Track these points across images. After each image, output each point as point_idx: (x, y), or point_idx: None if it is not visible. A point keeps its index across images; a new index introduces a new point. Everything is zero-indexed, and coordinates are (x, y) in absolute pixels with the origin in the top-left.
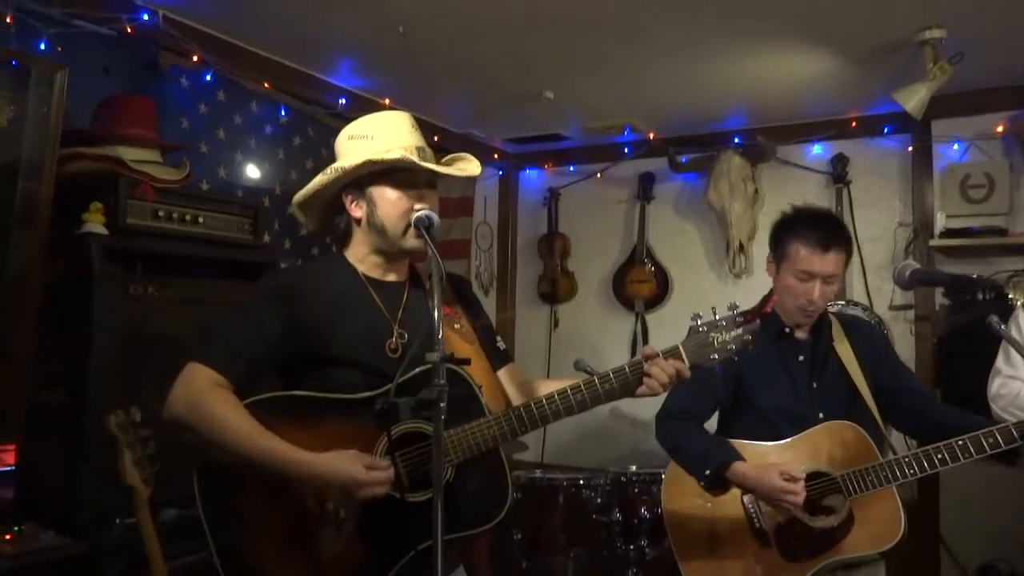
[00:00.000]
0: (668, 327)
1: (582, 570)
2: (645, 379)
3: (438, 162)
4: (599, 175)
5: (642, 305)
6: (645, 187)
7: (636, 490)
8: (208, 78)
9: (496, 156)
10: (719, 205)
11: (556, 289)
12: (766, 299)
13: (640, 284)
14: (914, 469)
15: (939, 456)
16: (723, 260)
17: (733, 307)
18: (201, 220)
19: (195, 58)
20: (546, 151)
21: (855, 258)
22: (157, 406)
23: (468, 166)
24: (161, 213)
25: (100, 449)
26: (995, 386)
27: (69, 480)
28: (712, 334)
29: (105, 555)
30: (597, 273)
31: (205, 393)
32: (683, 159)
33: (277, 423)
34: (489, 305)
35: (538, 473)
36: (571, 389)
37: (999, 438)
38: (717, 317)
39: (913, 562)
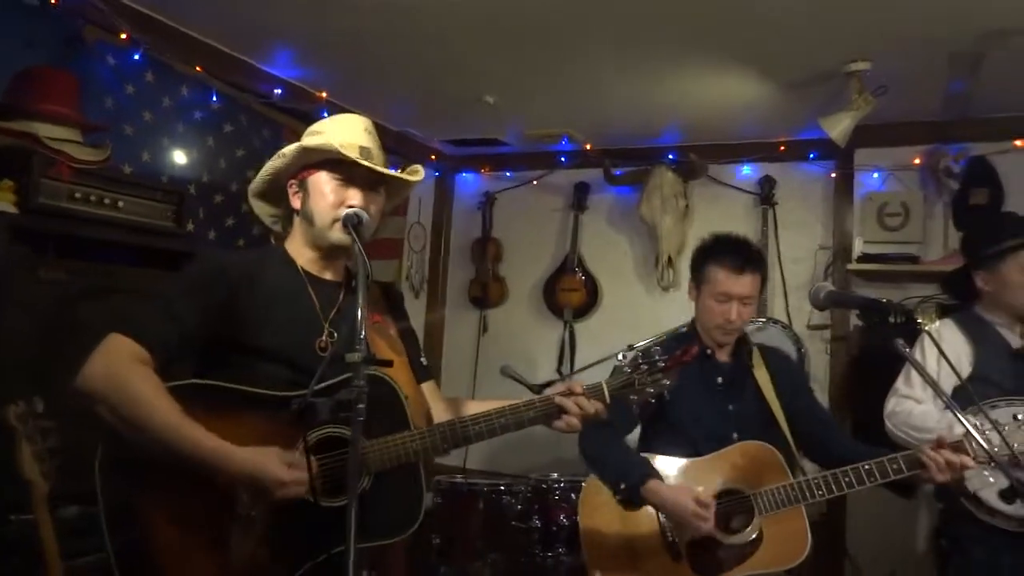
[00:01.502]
0: (596, 336)
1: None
2: (564, 416)
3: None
4: (535, 182)
5: (571, 314)
6: (580, 197)
7: (556, 497)
8: (137, 57)
9: (433, 157)
10: (650, 219)
11: (487, 294)
12: (685, 349)
13: (570, 293)
14: (823, 491)
15: (846, 479)
16: (652, 273)
17: (655, 352)
18: (121, 204)
19: (124, 35)
20: (484, 155)
21: (777, 278)
22: (62, 397)
23: (411, 174)
24: (78, 195)
25: None
26: (891, 404)
27: None
28: (635, 376)
29: None
30: (528, 280)
31: (127, 367)
32: (618, 172)
33: (195, 411)
34: (419, 307)
35: (459, 478)
36: (496, 413)
37: (902, 464)
38: (640, 359)
39: (819, 574)
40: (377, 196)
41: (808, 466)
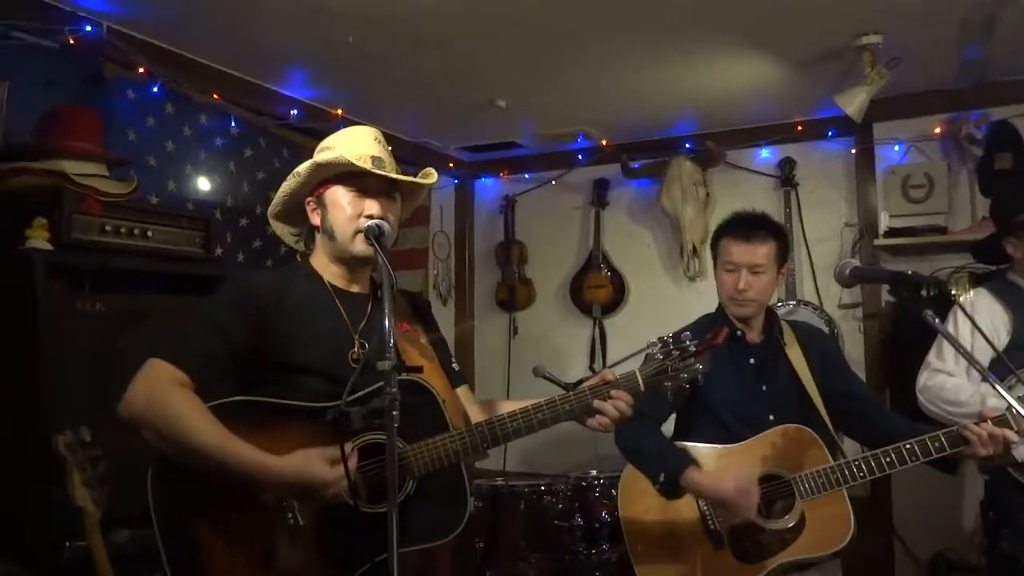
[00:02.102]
0: (626, 332)
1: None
2: (597, 415)
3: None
4: (554, 182)
5: (599, 310)
6: (599, 193)
7: (597, 494)
8: (155, 90)
9: (451, 165)
10: (672, 210)
11: (514, 296)
12: (715, 332)
13: (597, 289)
14: (863, 472)
15: (887, 459)
16: (677, 264)
17: (686, 336)
18: (150, 234)
19: (142, 70)
20: (501, 159)
21: (804, 259)
22: (108, 425)
23: (426, 178)
24: (108, 227)
25: (48, 471)
26: (923, 378)
27: (16, 504)
28: (667, 363)
29: None
30: (554, 279)
31: (167, 391)
32: (635, 165)
33: (238, 428)
34: (448, 314)
35: (499, 481)
36: (533, 408)
37: (944, 441)
38: (671, 346)
39: (869, 554)
40: (393, 204)
41: (848, 446)
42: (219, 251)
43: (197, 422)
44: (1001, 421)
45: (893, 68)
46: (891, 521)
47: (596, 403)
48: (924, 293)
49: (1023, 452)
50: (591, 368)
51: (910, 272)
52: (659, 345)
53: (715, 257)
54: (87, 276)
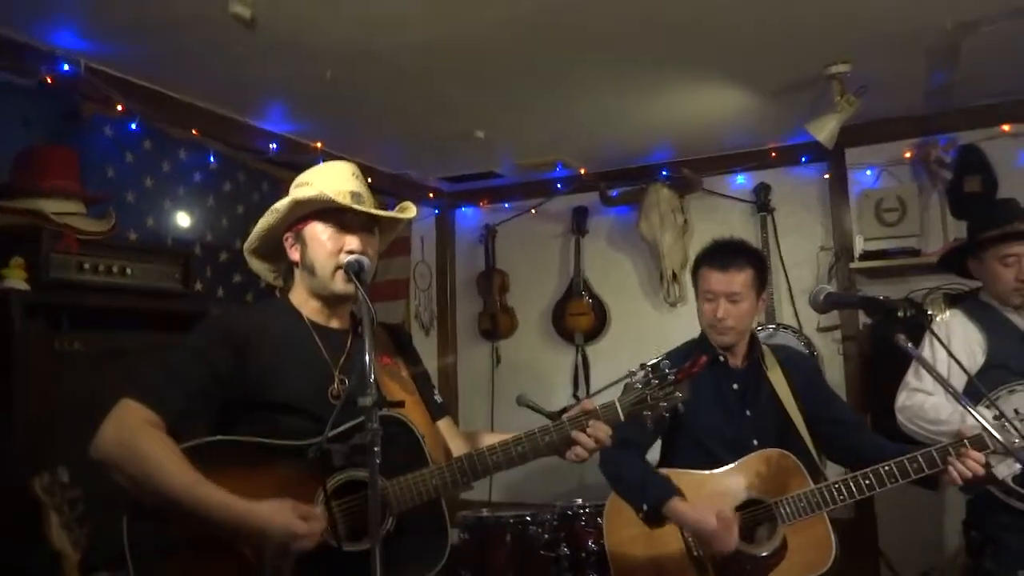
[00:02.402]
0: (608, 358)
1: None
2: (574, 447)
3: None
4: (533, 211)
5: (582, 337)
6: (579, 221)
7: (583, 523)
8: (133, 126)
9: (431, 195)
10: (650, 236)
11: (496, 325)
12: (694, 360)
13: (579, 317)
14: (843, 495)
15: (866, 482)
16: (658, 290)
17: (664, 365)
18: (129, 271)
19: (119, 107)
20: (481, 188)
21: (782, 283)
22: (87, 465)
23: (405, 212)
24: (87, 265)
25: (25, 514)
26: (902, 398)
27: None
28: (646, 392)
29: None
30: (536, 307)
31: (138, 433)
32: (614, 193)
33: (215, 469)
34: (430, 344)
35: (485, 512)
36: (513, 441)
37: (922, 462)
38: (650, 375)
39: (856, 574)
40: (373, 238)
41: (832, 470)
42: (199, 286)
43: (166, 464)
44: (977, 441)
45: (862, 96)
46: (876, 542)
47: (574, 434)
48: (902, 314)
49: (1003, 470)
50: (575, 395)
51: (882, 297)
52: (639, 374)
53: (695, 285)
54: (65, 315)
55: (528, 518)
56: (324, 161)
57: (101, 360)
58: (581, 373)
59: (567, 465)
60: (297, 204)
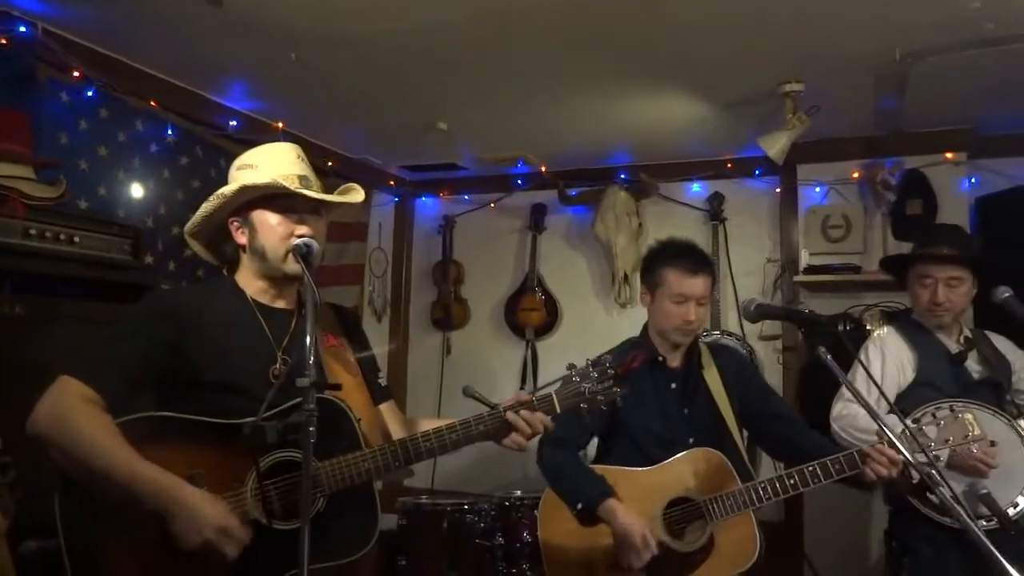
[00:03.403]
0: (557, 355)
1: None
2: (512, 434)
3: (328, 192)
4: (492, 205)
5: (532, 333)
6: (537, 218)
7: (519, 515)
8: (90, 93)
9: (392, 183)
10: (605, 238)
11: (449, 316)
12: (632, 356)
13: (531, 312)
14: (768, 494)
15: (791, 481)
16: (609, 290)
17: (605, 360)
18: (77, 239)
19: (76, 73)
20: (442, 179)
21: (729, 291)
22: (22, 432)
23: (352, 195)
24: (33, 231)
25: None
26: (837, 408)
27: None
28: (584, 385)
29: None
30: (490, 301)
31: (74, 408)
32: (572, 192)
33: (150, 445)
34: (382, 331)
35: (424, 499)
36: (447, 428)
37: (844, 464)
38: (590, 369)
39: (781, 574)
40: (320, 220)
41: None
42: (150, 259)
43: (100, 439)
44: (903, 441)
45: (813, 115)
46: (802, 546)
47: (510, 417)
48: (842, 327)
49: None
50: (522, 389)
51: (807, 311)
52: (577, 369)
53: (654, 286)
54: (8, 279)
55: (466, 507)
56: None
57: (43, 326)
58: (530, 368)
59: (510, 456)
60: (245, 190)
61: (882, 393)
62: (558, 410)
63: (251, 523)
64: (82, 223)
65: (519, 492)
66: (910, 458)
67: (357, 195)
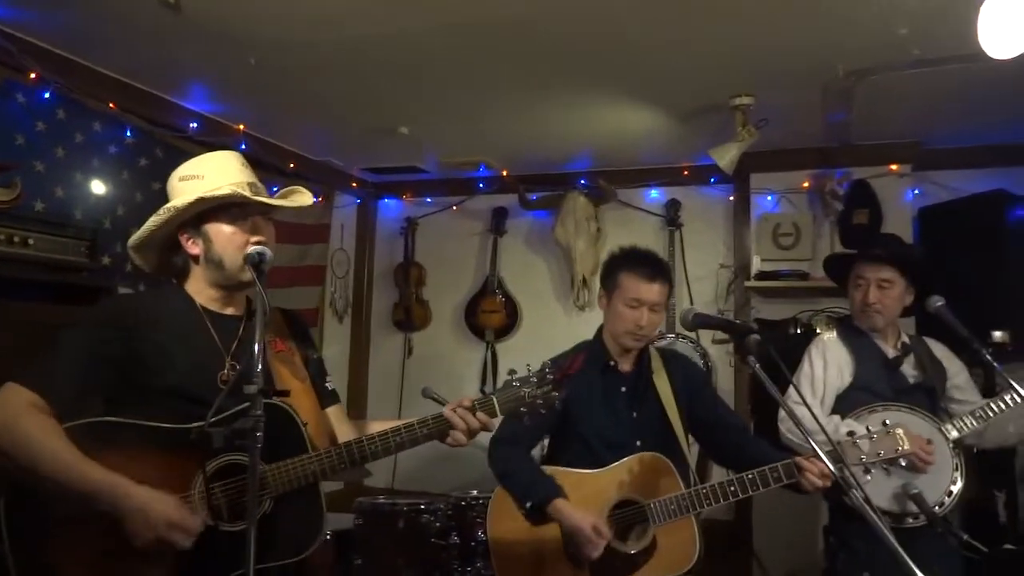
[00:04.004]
0: (517, 356)
1: None
2: (452, 432)
3: (272, 195)
4: (455, 207)
5: (492, 335)
6: (498, 221)
7: (474, 514)
8: (47, 95)
9: (354, 184)
10: (565, 242)
11: (411, 317)
12: (570, 358)
13: (491, 314)
14: (710, 500)
15: (731, 488)
16: (568, 293)
17: (546, 365)
18: (31, 242)
19: (33, 75)
20: (404, 182)
21: (684, 295)
22: None
23: (300, 198)
24: None
25: None
26: (783, 412)
27: None
28: (524, 389)
29: None
30: (451, 302)
31: (21, 415)
32: (533, 196)
33: (98, 449)
34: (343, 332)
35: (381, 499)
36: (392, 431)
37: (781, 473)
38: (530, 374)
39: (732, 571)
40: (270, 224)
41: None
42: (107, 260)
43: (47, 444)
44: (831, 454)
45: (761, 128)
46: (751, 543)
47: (447, 414)
48: (792, 331)
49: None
50: (482, 390)
51: (738, 321)
52: (518, 375)
53: (611, 289)
54: None
55: (422, 506)
56: (247, 144)
57: None
58: (490, 369)
59: (469, 456)
60: (202, 201)
61: (807, 406)
62: (498, 413)
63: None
64: (36, 225)
65: (475, 492)
66: (833, 469)
67: (304, 198)
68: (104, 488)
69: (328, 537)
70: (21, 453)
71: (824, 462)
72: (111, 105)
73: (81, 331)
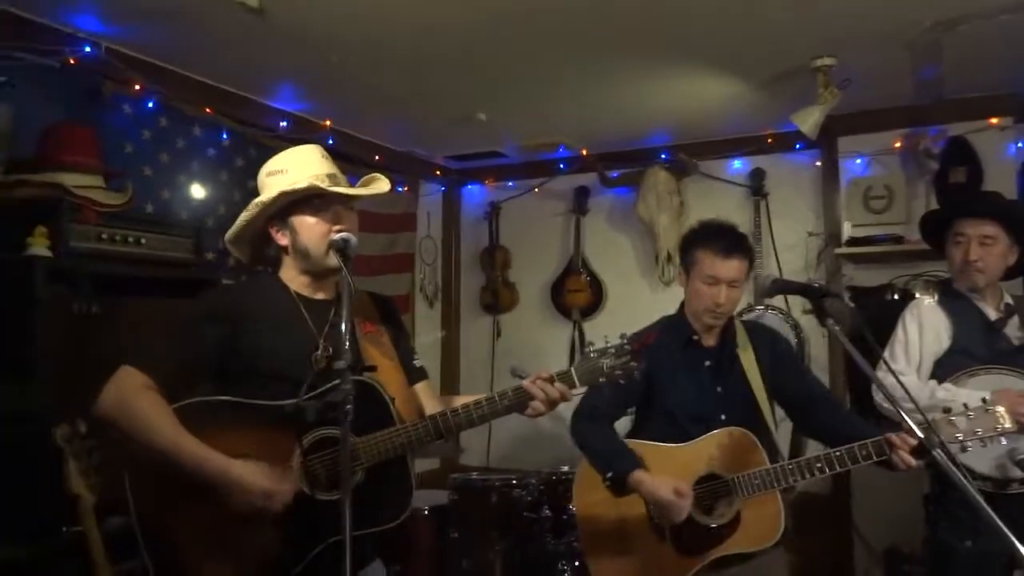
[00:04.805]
0: (603, 334)
1: (513, 565)
2: (531, 403)
3: (354, 185)
4: (536, 190)
5: (579, 313)
6: (580, 201)
7: (565, 488)
8: (151, 105)
9: (438, 173)
10: (647, 217)
11: (498, 300)
12: (647, 331)
13: (576, 293)
14: (796, 476)
15: (818, 465)
16: (653, 269)
17: (624, 336)
18: (144, 241)
19: (137, 86)
20: (486, 167)
21: (773, 265)
22: None
23: (378, 185)
24: (104, 235)
25: (46, 461)
26: (877, 379)
27: (16, 491)
28: (602, 360)
29: (52, 560)
30: (536, 283)
31: (134, 394)
32: (613, 174)
33: (202, 427)
34: (434, 316)
35: (474, 475)
36: (474, 404)
37: (871, 450)
38: (608, 344)
39: (831, 548)
40: (352, 213)
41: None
42: (211, 256)
43: (155, 422)
44: (927, 430)
45: (844, 89)
46: (850, 516)
47: (526, 385)
48: (889, 297)
49: (955, 449)
50: (570, 367)
51: (817, 284)
52: (596, 347)
53: (689, 266)
54: (84, 280)
55: (514, 481)
56: (334, 140)
57: (117, 323)
58: (577, 348)
59: (562, 434)
60: (284, 195)
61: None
62: (577, 384)
63: (298, 495)
64: (147, 226)
65: (566, 467)
66: (920, 433)
67: (383, 185)
68: (202, 462)
69: (426, 513)
70: (132, 428)
71: (915, 433)
72: (207, 110)
73: (188, 321)
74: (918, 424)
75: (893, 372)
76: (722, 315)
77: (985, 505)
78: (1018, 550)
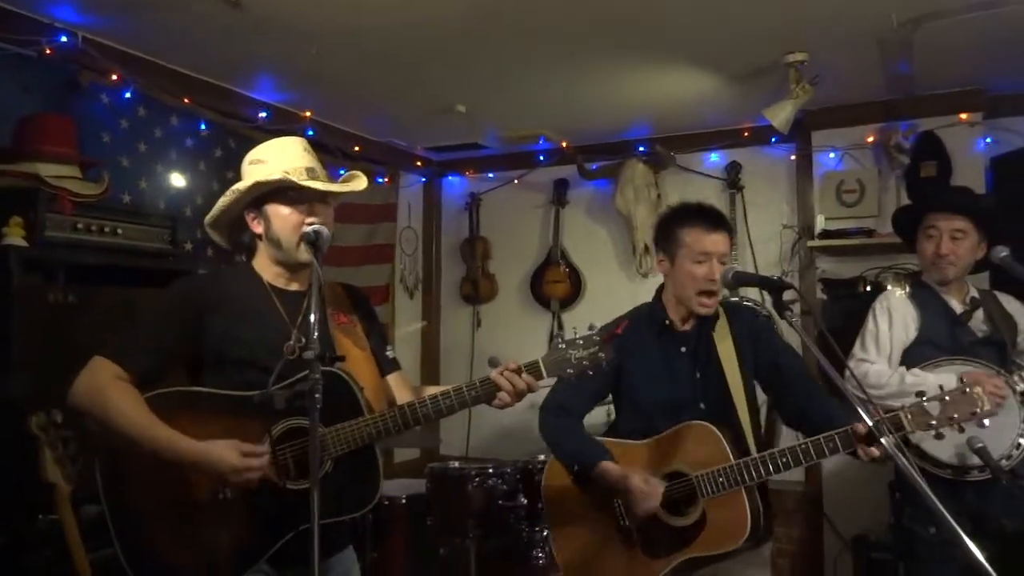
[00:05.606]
0: (582, 324)
1: (488, 552)
2: (498, 393)
3: (337, 178)
4: (516, 181)
5: (558, 304)
6: (559, 193)
7: (540, 477)
8: (128, 95)
9: (419, 164)
10: (625, 210)
11: (478, 290)
12: (617, 321)
13: (556, 284)
14: (759, 472)
15: (783, 460)
16: (631, 261)
17: (592, 327)
18: (120, 231)
19: (115, 76)
20: (466, 159)
21: (748, 257)
22: None
23: (355, 183)
24: (80, 226)
25: (22, 449)
26: (848, 367)
27: None
28: (570, 351)
29: (28, 548)
30: (516, 274)
31: (105, 384)
32: (592, 166)
33: (173, 416)
34: (414, 307)
35: (452, 464)
36: (441, 394)
37: (838, 442)
38: (576, 336)
39: (802, 535)
40: (328, 207)
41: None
42: (189, 246)
43: (125, 410)
44: (895, 419)
45: (816, 85)
46: (821, 506)
47: (494, 376)
48: (861, 289)
49: (917, 437)
50: None
51: (775, 277)
52: (564, 338)
53: (673, 250)
54: (60, 270)
55: (490, 471)
56: (314, 131)
57: (93, 312)
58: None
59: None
60: (258, 185)
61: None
62: (544, 374)
63: (268, 484)
64: (124, 216)
65: (542, 457)
66: (868, 421)
67: (360, 182)
68: (170, 448)
69: (403, 501)
70: (104, 417)
71: (865, 422)
72: (186, 100)
73: (160, 309)
74: (868, 413)
75: (859, 361)
76: (717, 292)
77: (930, 492)
78: (962, 538)
